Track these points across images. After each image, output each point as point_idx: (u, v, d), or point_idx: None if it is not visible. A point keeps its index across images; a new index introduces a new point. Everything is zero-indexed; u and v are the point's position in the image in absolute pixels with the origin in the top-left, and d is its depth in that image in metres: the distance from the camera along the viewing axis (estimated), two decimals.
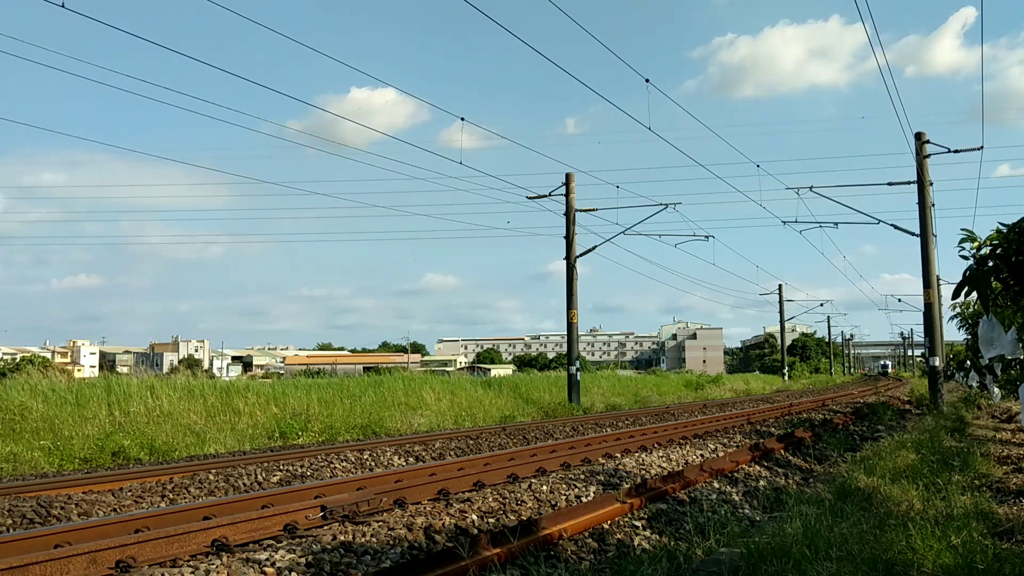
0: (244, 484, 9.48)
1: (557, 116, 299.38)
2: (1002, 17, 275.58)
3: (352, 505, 6.87)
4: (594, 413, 25.25)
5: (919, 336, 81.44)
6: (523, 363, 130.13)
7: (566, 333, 28.85)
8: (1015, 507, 6.92)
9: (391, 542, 5.60)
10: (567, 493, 7.66)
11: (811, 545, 5.05)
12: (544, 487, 7.73)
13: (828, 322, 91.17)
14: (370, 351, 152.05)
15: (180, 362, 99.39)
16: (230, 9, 15.01)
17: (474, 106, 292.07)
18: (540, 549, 5.58)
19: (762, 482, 9.43)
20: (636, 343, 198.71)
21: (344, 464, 11.23)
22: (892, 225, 25.21)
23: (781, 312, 68.30)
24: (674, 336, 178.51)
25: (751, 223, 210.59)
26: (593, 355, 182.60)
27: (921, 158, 23.26)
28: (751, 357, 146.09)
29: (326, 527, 6.33)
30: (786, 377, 67.97)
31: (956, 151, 23.97)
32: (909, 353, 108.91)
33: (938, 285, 25.66)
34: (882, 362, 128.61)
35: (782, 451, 11.73)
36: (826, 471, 10.69)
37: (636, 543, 6.26)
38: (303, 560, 5.02)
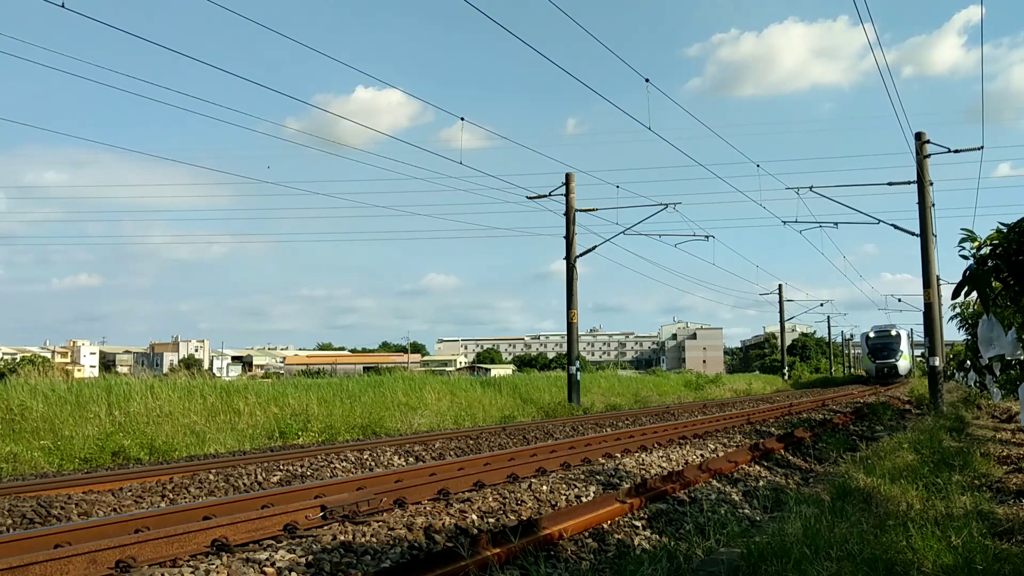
0: (244, 484, 9.47)
1: (557, 116, 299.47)
2: (1003, 17, 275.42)
3: (352, 505, 6.87)
4: (594, 413, 25.25)
5: (919, 336, 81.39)
6: (523, 363, 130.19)
7: (566, 333, 28.86)
8: (1015, 507, 6.91)
9: (391, 542, 5.60)
10: (567, 493, 7.66)
11: (811, 545, 5.05)
12: (544, 487, 7.73)
13: (828, 322, 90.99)
14: (370, 351, 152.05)
15: (180, 362, 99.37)
16: (231, 9, 15.02)
17: (474, 106, 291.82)
18: (540, 549, 5.57)
19: (762, 482, 9.43)
20: (636, 343, 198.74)
21: (344, 464, 11.22)
22: (892, 225, 25.25)
23: (781, 312, 68.33)
24: (674, 336, 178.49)
25: (751, 223, 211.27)
26: (593, 355, 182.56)
27: (921, 158, 23.27)
28: (751, 357, 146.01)
29: (326, 527, 6.33)
30: (786, 377, 67.95)
31: (956, 151, 23.99)
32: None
33: (938, 285, 25.67)
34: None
35: (782, 451, 11.74)
36: (826, 471, 10.69)
37: (636, 543, 6.26)
38: (303, 560, 5.02)
